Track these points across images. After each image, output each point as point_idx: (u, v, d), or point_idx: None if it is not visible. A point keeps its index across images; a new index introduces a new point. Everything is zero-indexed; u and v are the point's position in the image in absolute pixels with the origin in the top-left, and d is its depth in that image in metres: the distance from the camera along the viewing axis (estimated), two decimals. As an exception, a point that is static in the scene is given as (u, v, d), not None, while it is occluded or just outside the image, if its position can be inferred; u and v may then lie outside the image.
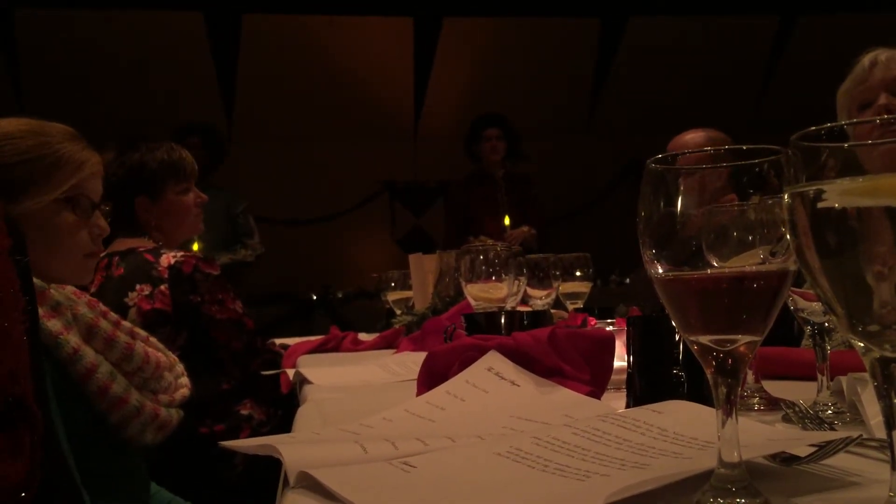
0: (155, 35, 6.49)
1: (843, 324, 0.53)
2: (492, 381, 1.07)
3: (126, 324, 1.58)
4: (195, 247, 4.37)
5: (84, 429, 1.38)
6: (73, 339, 1.35)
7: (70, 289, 1.50)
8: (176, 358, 1.66)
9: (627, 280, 5.65)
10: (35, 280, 1.32)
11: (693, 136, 2.64)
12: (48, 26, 6.31)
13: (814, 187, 0.52)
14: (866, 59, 1.92)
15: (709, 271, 0.60)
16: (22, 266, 0.85)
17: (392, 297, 2.94)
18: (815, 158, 0.53)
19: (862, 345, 0.52)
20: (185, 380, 1.64)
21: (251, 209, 5.12)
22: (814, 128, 0.53)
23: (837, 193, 0.51)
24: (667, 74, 7.21)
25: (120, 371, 1.43)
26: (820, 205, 0.51)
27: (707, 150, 0.63)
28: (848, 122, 0.53)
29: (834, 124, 0.53)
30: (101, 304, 1.55)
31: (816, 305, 1.00)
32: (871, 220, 0.50)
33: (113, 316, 1.55)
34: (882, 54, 1.90)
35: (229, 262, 4.69)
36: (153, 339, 1.63)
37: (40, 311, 1.32)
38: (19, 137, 1.48)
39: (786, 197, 0.55)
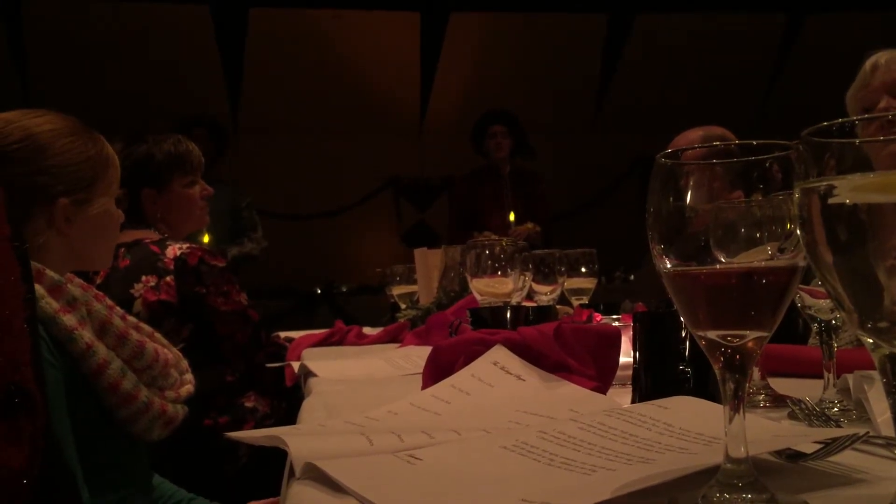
0: (161, 28, 6.49)
1: (853, 320, 0.52)
2: (497, 376, 1.07)
3: (132, 319, 1.59)
4: (205, 239, 4.38)
5: (91, 422, 1.38)
6: (86, 335, 1.36)
7: (78, 281, 1.50)
8: (180, 353, 1.66)
9: (632, 277, 5.64)
10: (52, 274, 1.34)
11: (692, 135, 2.63)
12: (55, 17, 6.32)
13: (824, 183, 0.52)
14: (868, 63, 1.90)
15: (718, 266, 0.60)
16: (21, 253, 0.85)
17: (397, 291, 2.94)
18: (825, 154, 0.53)
19: (871, 341, 0.52)
20: (189, 376, 1.65)
21: (256, 203, 5.14)
22: (825, 123, 0.53)
23: (848, 189, 0.51)
24: (674, 72, 7.19)
25: (130, 368, 1.43)
26: (831, 200, 0.51)
27: (717, 145, 0.63)
28: (859, 117, 0.53)
29: (845, 120, 0.53)
30: (107, 299, 1.56)
31: (823, 303, 1.00)
32: (881, 215, 0.50)
33: (119, 310, 1.55)
34: (883, 57, 1.89)
35: (238, 254, 4.73)
36: (158, 335, 1.64)
37: (56, 304, 1.33)
38: (74, 134, 1.53)
39: (796, 192, 0.55)
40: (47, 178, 1.48)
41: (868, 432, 0.73)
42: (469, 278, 1.79)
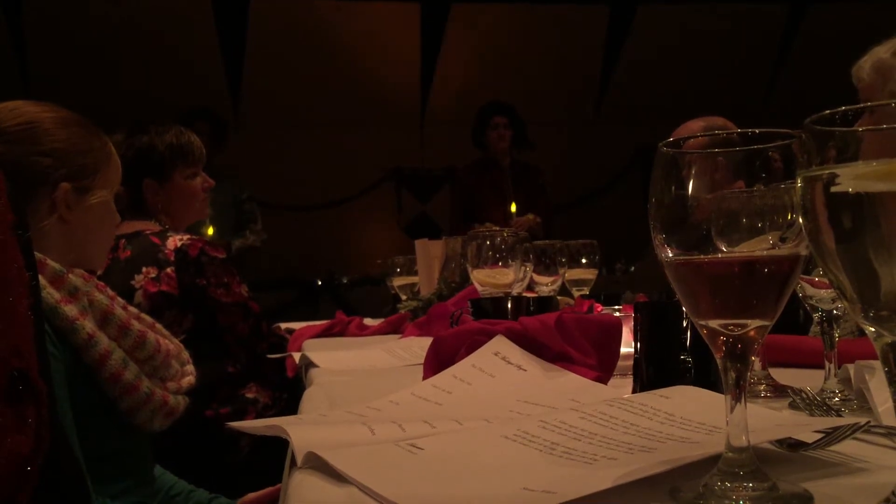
0: (161, 18, 6.48)
1: (855, 309, 0.52)
2: (498, 366, 1.07)
3: (133, 309, 1.59)
4: (209, 231, 4.40)
5: (93, 412, 1.39)
6: (88, 325, 1.36)
7: (79, 272, 1.51)
8: (181, 345, 1.66)
9: (633, 268, 5.64)
10: (53, 264, 1.34)
11: (693, 126, 2.62)
12: (55, 10, 6.30)
13: (827, 171, 0.52)
14: (854, 79, 1.78)
15: (720, 256, 0.60)
16: (24, 241, 0.85)
17: (398, 282, 2.94)
18: (828, 143, 0.52)
19: (873, 330, 0.52)
20: (190, 367, 1.65)
21: (257, 194, 5.16)
22: (828, 112, 0.53)
23: (851, 177, 0.51)
24: (675, 62, 7.17)
25: (132, 358, 1.44)
26: (833, 189, 0.51)
27: (719, 134, 0.63)
28: (862, 105, 0.53)
29: (848, 108, 0.53)
30: (108, 289, 1.56)
31: (825, 293, 0.99)
32: (884, 204, 0.50)
33: (120, 301, 1.56)
34: (862, 63, 1.76)
35: (242, 245, 4.76)
36: (159, 326, 1.64)
37: (58, 295, 1.33)
38: (79, 126, 1.54)
39: (799, 181, 0.54)
40: (50, 160, 1.48)
41: (869, 422, 0.73)
42: (470, 269, 1.79)
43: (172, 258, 2.29)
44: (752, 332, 0.60)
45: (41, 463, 0.77)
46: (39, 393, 0.78)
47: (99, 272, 2.24)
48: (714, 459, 0.62)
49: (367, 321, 2.59)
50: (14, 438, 0.74)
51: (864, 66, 1.64)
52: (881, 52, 1.59)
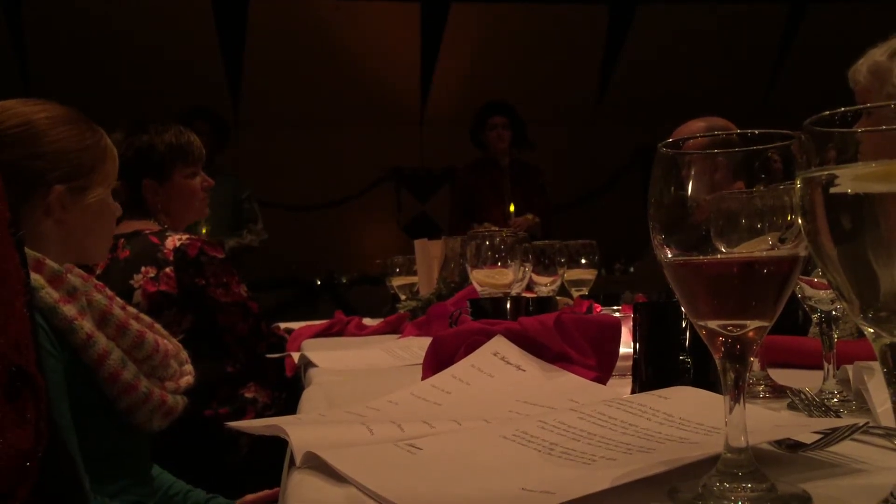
0: (161, 18, 6.47)
1: (854, 309, 0.52)
2: (497, 366, 1.07)
3: (131, 309, 1.59)
4: (203, 230, 4.39)
5: (92, 411, 1.39)
6: (87, 325, 1.36)
7: (78, 271, 1.50)
8: (180, 345, 1.66)
9: (632, 268, 5.65)
10: (51, 264, 1.34)
11: (693, 126, 2.62)
12: (54, 7, 6.30)
13: (826, 172, 0.52)
14: (851, 81, 1.76)
15: (719, 256, 0.60)
16: (18, 240, 0.85)
17: (397, 282, 2.94)
18: (827, 144, 0.53)
19: (872, 331, 0.52)
20: (188, 367, 1.65)
21: (256, 194, 5.16)
22: (827, 112, 0.53)
23: (850, 179, 0.51)
24: (675, 62, 7.17)
25: (131, 358, 1.43)
26: (833, 190, 0.51)
27: (718, 135, 0.63)
28: (861, 106, 0.53)
29: (847, 109, 0.53)
30: (107, 289, 1.56)
31: (824, 294, 0.99)
32: (883, 205, 0.50)
33: (119, 301, 1.56)
34: (859, 65, 1.74)
35: (237, 245, 4.74)
36: (158, 326, 1.64)
37: (56, 294, 1.33)
38: (73, 123, 1.53)
39: (798, 182, 0.54)
40: (43, 163, 1.47)
41: (868, 423, 0.73)
42: (469, 269, 1.79)
43: (171, 258, 2.29)
44: (750, 333, 0.60)
45: (41, 458, 0.77)
46: (38, 388, 0.78)
47: (98, 270, 2.25)
48: (713, 460, 0.62)
49: (367, 321, 2.59)
50: (14, 433, 0.74)
51: (861, 69, 1.64)
52: (877, 54, 1.59)
